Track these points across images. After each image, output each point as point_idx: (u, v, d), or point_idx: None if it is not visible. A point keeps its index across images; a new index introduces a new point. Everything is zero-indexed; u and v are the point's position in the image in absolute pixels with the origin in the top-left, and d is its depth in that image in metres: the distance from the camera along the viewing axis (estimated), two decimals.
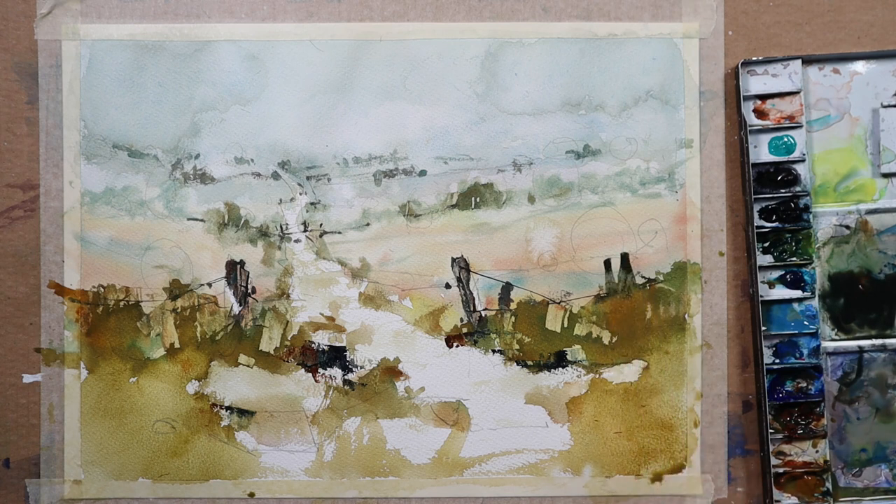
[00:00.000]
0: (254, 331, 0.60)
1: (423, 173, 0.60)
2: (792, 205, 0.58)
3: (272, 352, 0.60)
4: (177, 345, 0.60)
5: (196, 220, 0.60)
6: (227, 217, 0.60)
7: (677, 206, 0.60)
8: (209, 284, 0.60)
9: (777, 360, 0.59)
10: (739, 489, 0.60)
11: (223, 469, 0.60)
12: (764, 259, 0.59)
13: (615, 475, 0.60)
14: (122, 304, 0.60)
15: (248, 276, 0.60)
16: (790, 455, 0.59)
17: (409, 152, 0.60)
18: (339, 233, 0.60)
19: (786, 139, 0.58)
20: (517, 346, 0.60)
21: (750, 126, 0.58)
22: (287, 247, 0.60)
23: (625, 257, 0.60)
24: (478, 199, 0.60)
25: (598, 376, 0.60)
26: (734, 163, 0.60)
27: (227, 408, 0.60)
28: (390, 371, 0.60)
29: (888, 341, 0.59)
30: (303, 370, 0.60)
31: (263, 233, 0.60)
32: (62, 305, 0.60)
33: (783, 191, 0.58)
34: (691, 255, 0.60)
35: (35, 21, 0.59)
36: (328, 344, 0.60)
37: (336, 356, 0.60)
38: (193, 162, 0.60)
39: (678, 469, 0.60)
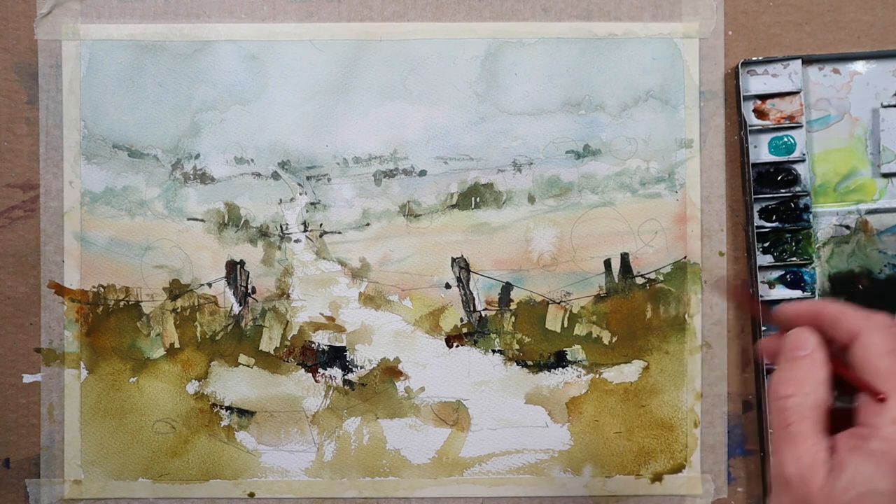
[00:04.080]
0: (254, 331, 0.60)
1: (423, 173, 0.60)
2: (792, 205, 0.58)
3: (272, 352, 0.60)
4: (177, 345, 0.60)
5: (196, 220, 0.60)
6: (227, 217, 0.60)
7: (677, 206, 0.60)
8: (209, 284, 0.60)
9: None
10: (739, 489, 0.60)
11: (223, 469, 0.60)
12: (764, 259, 0.59)
13: (615, 475, 0.60)
14: (122, 304, 0.60)
15: (248, 276, 0.60)
16: None
17: (409, 152, 0.60)
18: (339, 233, 0.60)
19: (786, 139, 0.58)
20: (517, 346, 0.60)
21: (750, 126, 0.58)
22: (287, 247, 0.60)
23: (625, 257, 0.60)
24: (478, 199, 0.60)
25: (598, 376, 0.60)
26: (734, 163, 0.60)
27: (227, 408, 0.60)
28: (390, 371, 0.60)
29: None
30: (303, 370, 0.60)
31: (263, 233, 0.60)
32: (62, 305, 0.60)
33: (783, 191, 0.58)
34: (691, 255, 0.60)
35: (35, 21, 0.59)
36: (328, 344, 0.60)
37: (336, 356, 0.60)
38: (193, 162, 0.60)
39: (678, 469, 0.60)
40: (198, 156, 0.60)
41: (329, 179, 0.60)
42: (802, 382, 0.33)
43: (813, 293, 0.58)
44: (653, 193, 0.60)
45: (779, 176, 0.58)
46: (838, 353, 0.34)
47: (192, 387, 0.60)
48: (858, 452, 0.31)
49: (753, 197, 0.58)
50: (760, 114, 0.59)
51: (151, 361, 0.60)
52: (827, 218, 0.59)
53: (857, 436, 0.31)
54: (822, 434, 0.32)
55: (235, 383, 0.60)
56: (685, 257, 0.60)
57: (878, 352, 0.32)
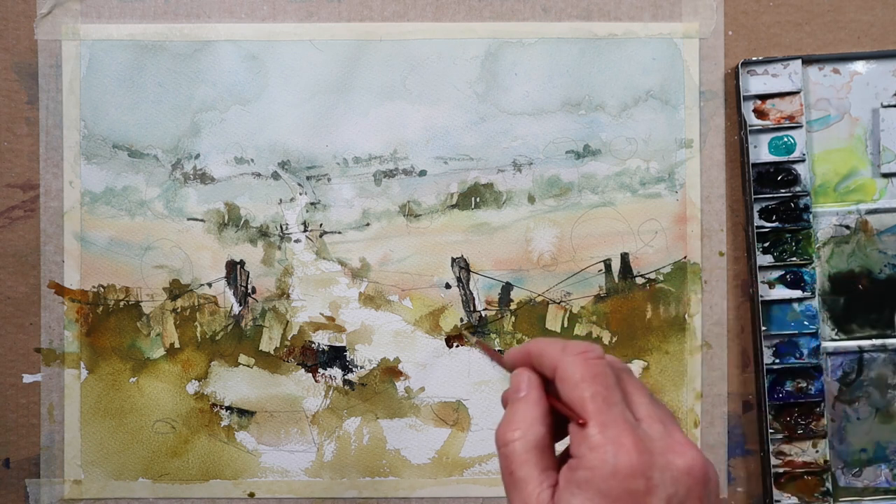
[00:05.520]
0: (254, 331, 0.60)
1: (423, 173, 0.60)
2: (792, 205, 0.58)
3: (272, 352, 0.60)
4: (177, 345, 0.60)
5: (196, 220, 0.60)
6: (227, 217, 0.60)
7: (677, 206, 0.60)
8: (209, 284, 0.60)
9: (777, 361, 0.59)
10: (739, 489, 0.60)
11: (223, 469, 0.60)
12: (764, 259, 0.59)
13: None
14: (122, 304, 0.60)
15: (248, 276, 0.60)
16: (790, 455, 0.59)
17: (409, 152, 0.60)
18: (339, 233, 0.60)
19: (786, 139, 0.58)
20: None
21: (750, 126, 0.58)
22: (287, 247, 0.60)
23: (625, 257, 0.60)
24: (478, 199, 0.60)
25: None
26: (734, 163, 0.60)
27: (227, 408, 0.60)
28: (390, 371, 0.60)
29: (888, 341, 0.59)
30: (303, 370, 0.60)
31: (263, 233, 0.60)
32: (62, 305, 0.60)
33: (783, 191, 0.58)
34: (691, 255, 0.60)
35: (35, 21, 0.59)
36: (328, 344, 0.60)
37: (336, 356, 0.60)
38: (193, 162, 0.60)
39: None
40: (198, 156, 0.60)
41: (329, 179, 0.60)
42: (520, 425, 0.33)
43: (813, 293, 0.58)
44: (653, 193, 0.60)
45: (779, 176, 0.58)
46: (554, 387, 0.34)
47: (192, 387, 0.60)
48: (569, 485, 0.30)
49: (753, 197, 0.58)
50: (760, 114, 0.59)
51: (151, 361, 0.60)
52: (827, 218, 0.59)
53: (570, 468, 0.31)
54: (546, 472, 0.32)
55: (235, 383, 0.60)
56: (685, 257, 0.60)
57: (573, 382, 0.32)
